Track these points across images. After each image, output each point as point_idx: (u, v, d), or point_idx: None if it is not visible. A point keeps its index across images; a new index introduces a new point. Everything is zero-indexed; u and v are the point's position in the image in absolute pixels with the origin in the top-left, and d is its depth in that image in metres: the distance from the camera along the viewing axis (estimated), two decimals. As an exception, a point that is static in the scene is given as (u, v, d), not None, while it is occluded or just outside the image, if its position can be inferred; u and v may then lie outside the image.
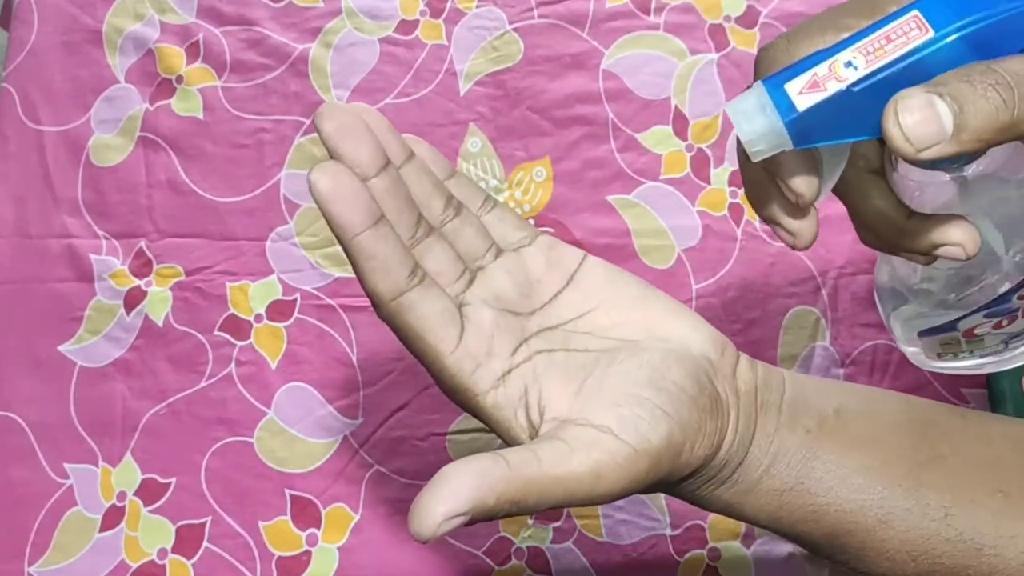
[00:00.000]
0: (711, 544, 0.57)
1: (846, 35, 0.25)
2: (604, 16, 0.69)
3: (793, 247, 0.31)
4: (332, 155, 0.26)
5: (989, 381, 0.59)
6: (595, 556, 0.57)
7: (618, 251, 0.63)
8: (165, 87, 0.69)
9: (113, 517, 0.59)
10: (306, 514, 0.59)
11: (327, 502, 0.59)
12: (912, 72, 0.23)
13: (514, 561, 0.57)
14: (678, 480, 0.28)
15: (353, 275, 0.67)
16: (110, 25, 0.71)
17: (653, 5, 0.70)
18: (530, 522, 0.58)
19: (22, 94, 0.70)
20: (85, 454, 0.60)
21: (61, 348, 0.63)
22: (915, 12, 0.23)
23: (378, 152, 0.26)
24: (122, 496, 0.59)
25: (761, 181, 0.29)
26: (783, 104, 0.24)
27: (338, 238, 0.25)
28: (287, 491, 0.59)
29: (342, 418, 0.60)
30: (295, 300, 0.63)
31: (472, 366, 0.27)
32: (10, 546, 0.58)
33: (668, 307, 0.30)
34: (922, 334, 0.40)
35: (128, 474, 0.60)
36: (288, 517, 0.59)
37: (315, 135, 0.67)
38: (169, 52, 0.70)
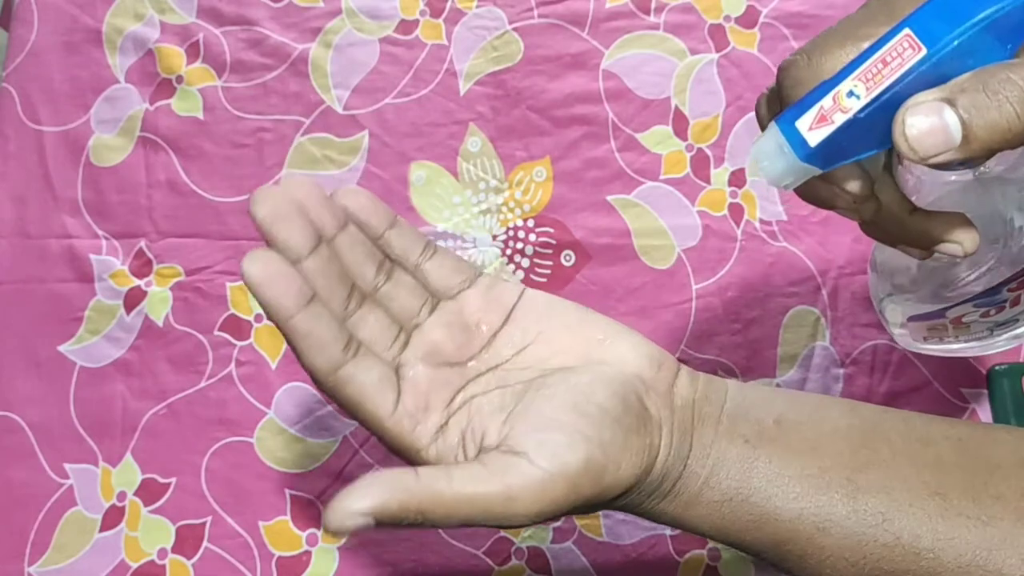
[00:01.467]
0: (711, 544, 0.57)
1: (867, 45, 0.25)
2: (604, 16, 0.69)
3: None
4: (266, 240, 0.27)
5: (989, 381, 0.59)
6: (595, 556, 0.57)
7: (618, 251, 0.63)
8: (165, 87, 0.69)
9: (113, 517, 0.59)
10: (306, 514, 0.58)
11: (327, 502, 0.58)
12: (913, 88, 0.24)
13: (514, 561, 0.57)
14: (613, 498, 0.28)
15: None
16: (110, 25, 0.71)
17: (653, 5, 0.70)
18: (530, 522, 0.58)
19: (22, 94, 0.70)
20: (85, 454, 0.60)
21: (61, 348, 0.63)
22: (907, 31, 0.24)
23: (309, 234, 0.27)
24: (122, 496, 0.59)
25: (813, 187, 0.30)
26: (796, 141, 0.26)
27: (273, 321, 0.26)
28: (287, 491, 0.59)
29: (342, 418, 0.60)
30: (295, 300, 0.63)
31: (411, 425, 0.28)
32: (10, 546, 0.59)
33: (606, 330, 0.31)
34: (911, 319, 0.41)
35: (128, 474, 0.60)
36: (288, 517, 0.59)
37: (316, 135, 0.67)
38: (169, 52, 0.70)
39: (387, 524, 0.25)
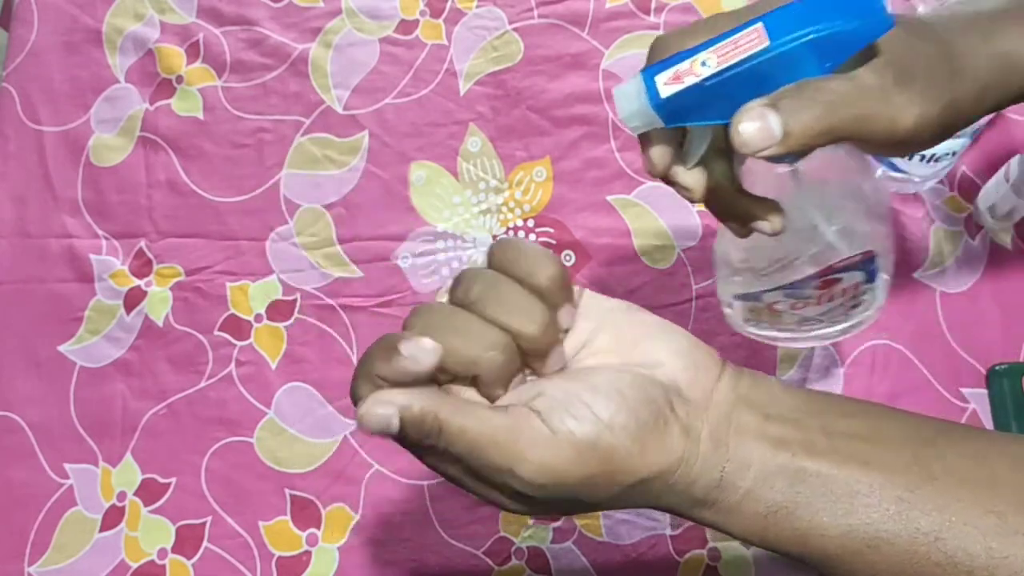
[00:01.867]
0: (711, 544, 0.57)
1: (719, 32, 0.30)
2: (604, 16, 0.69)
3: (690, 200, 0.35)
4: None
5: (989, 381, 0.59)
6: (595, 556, 0.57)
7: (618, 251, 0.63)
8: (165, 87, 0.69)
9: (113, 517, 0.59)
10: (306, 514, 0.58)
11: (327, 502, 0.59)
12: (752, 73, 0.29)
13: (514, 561, 0.57)
14: (630, 486, 0.28)
15: (353, 275, 0.67)
16: (110, 25, 0.71)
17: (653, 5, 0.70)
18: (530, 522, 0.58)
19: (22, 94, 0.70)
20: (85, 454, 0.60)
21: (61, 348, 0.63)
22: (759, 24, 0.29)
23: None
24: (122, 496, 0.59)
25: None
26: (652, 91, 0.30)
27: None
28: (287, 491, 0.59)
29: (342, 418, 0.60)
30: (295, 300, 0.63)
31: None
32: (10, 546, 0.59)
33: (647, 330, 0.31)
34: (736, 297, 0.44)
35: (128, 474, 0.60)
36: (288, 517, 0.58)
37: (316, 135, 0.67)
38: (169, 52, 0.70)
39: (408, 431, 0.26)
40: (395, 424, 0.26)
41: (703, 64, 0.29)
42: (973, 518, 0.28)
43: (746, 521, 0.30)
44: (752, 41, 0.29)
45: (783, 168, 0.35)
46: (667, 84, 0.30)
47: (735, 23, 0.30)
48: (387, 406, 0.26)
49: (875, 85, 0.30)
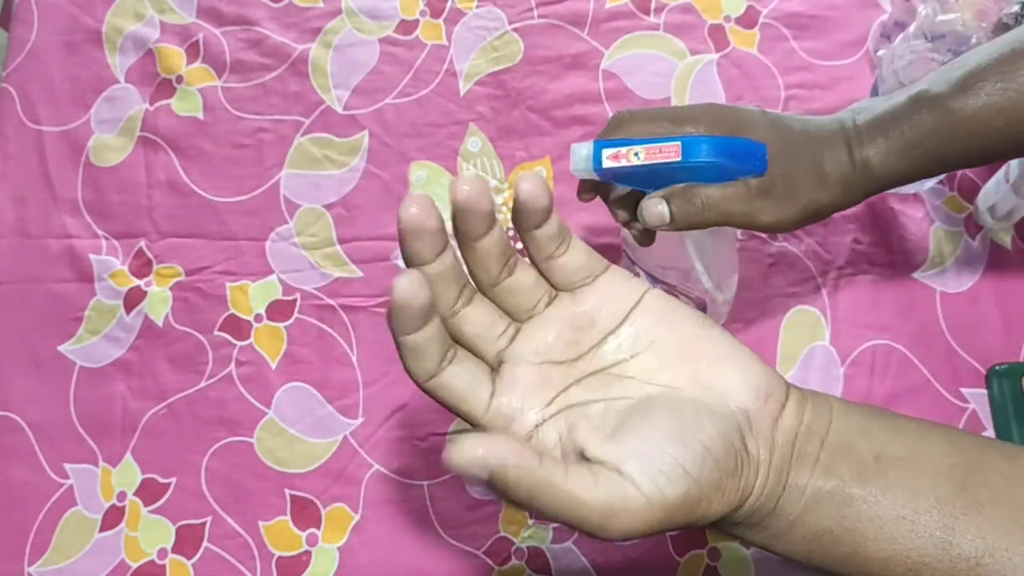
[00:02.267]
0: (711, 544, 0.57)
1: (662, 132, 0.43)
2: (604, 16, 0.69)
3: (640, 243, 0.49)
4: (409, 236, 0.28)
5: (989, 381, 0.59)
6: (595, 556, 0.57)
7: (617, 251, 0.63)
8: (165, 87, 0.69)
9: (113, 517, 0.59)
10: (306, 514, 0.58)
11: (327, 502, 0.59)
12: (664, 169, 0.42)
13: (514, 561, 0.57)
14: (699, 526, 0.29)
15: (353, 275, 0.67)
16: (110, 25, 0.71)
17: (653, 5, 0.70)
18: (530, 522, 0.58)
19: (22, 94, 0.70)
20: (85, 454, 0.60)
21: (61, 348, 0.63)
22: (678, 143, 0.42)
23: (438, 243, 0.28)
24: (122, 496, 0.59)
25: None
26: (597, 159, 0.43)
27: (390, 324, 0.28)
28: (287, 491, 0.59)
29: (342, 418, 0.60)
30: (295, 300, 0.63)
31: (504, 423, 0.29)
32: (10, 546, 0.58)
33: (719, 350, 0.31)
34: None
35: (128, 474, 0.60)
36: (288, 517, 0.58)
37: (316, 135, 0.67)
38: (169, 52, 0.70)
39: (494, 489, 0.26)
40: (482, 480, 0.26)
41: (635, 155, 0.42)
42: (1014, 544, 0.29)
43: (792, 544, 0.30)
44: (670, 153, 0.42)
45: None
46: (608, 159, 0.43)
47: (671, 124, 0.43)
48: (478, 464, 0.25)
49: (742, 194, 0.42)
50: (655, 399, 0.29)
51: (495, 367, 0.31)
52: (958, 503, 0.29)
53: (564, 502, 0.26)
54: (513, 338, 0.31)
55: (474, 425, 0.30)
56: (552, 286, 0.32)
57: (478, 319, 0.31)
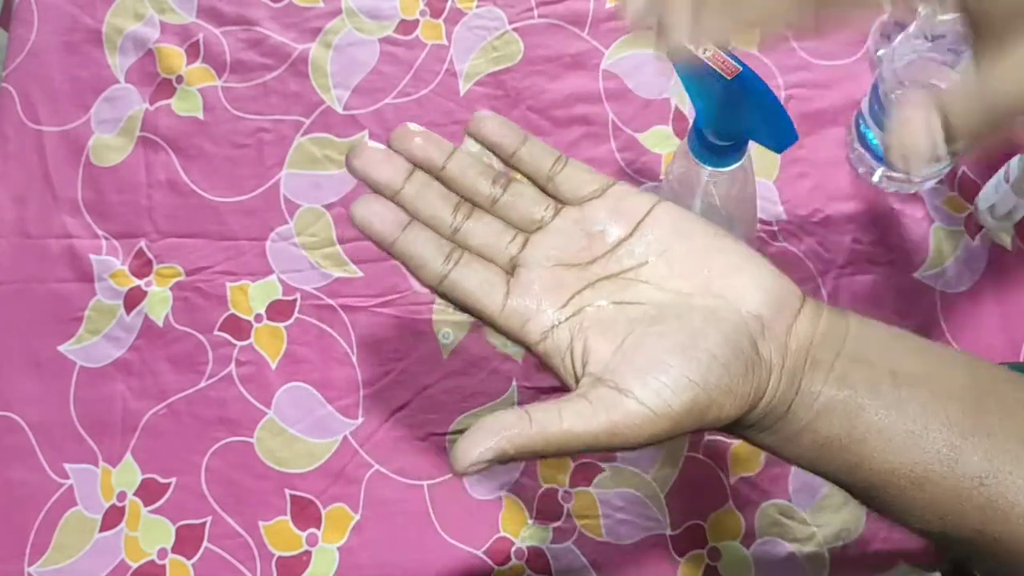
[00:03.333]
0: (711, 544, 0.57)
1: None
2: (604, 16, 0.69)
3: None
4: (367, 185, 0.32)
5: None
6: (595, 556, 0.57)
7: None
8: (165, 87, 0.69)
9: (113, 517, 0.59)
10: (306, 514, 0.58)
11: (327, 502, 0.59)
12: (711, 81, 0.36)
13: (514, 561, 0.57)
14: (709, 430, 0.30)
15: (353, 275, 0.67)
16: (110, 25, 0.71)
17: (653, 5, 0.70)
18: (530, 522, 0.58)
19: (22, 94, 0.70)
20: (85, 454, 0.60)
21: (61, 348, 0.63)
22: (741, 67, 0.35)
23: (400, 168, 0.32)
24: (122, 496, 0.59)
25: None
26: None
27: (383, 249, 0.31)
28: (287, 491, 0.59)
29: (342, 418, 0.60)
30: (295, 300, 0.63)
31: (520, 322, 0.30)
32: (10, 546, 0.59)
33: (731, 260, 0.31)
34: None
35: (128, 474, 0.60)
36: (288, 517, 0.59)
37: (316, 135, 0.67)
38: (169, 52, 0.70)
39: (506, 462, 0.28)
40: (492, 465, 0.28)
41: (705, 51, 0.35)
42: (1018, 468, 0.29)
43: (801, 449, 0.31)
44: (728, 68, 0.36)
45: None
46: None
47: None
48: (479, 464, 0.27)
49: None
50: (665, 308, 0.30)
51: (509, 272, 0.32)
52: (968, 424, 0.30)
53: (568, 440, 0.27)
54: (523, 246, 0.32)
55: (491, 324, 0.31)
56: (560, 202, 0.33)
57: (482, 231, 0.32)
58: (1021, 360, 0.59)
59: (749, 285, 0.30)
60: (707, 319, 0.29)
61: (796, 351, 0.30)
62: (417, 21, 0.70)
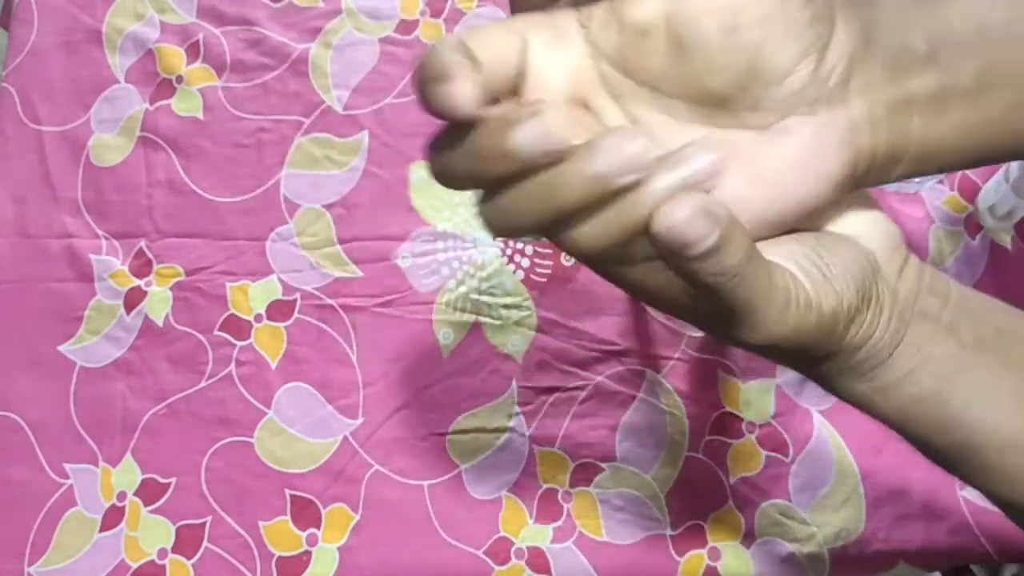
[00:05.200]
0: (711, 544, 0.57)
1: None
2: (604, 16, 0.69)
3: None
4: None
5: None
6: (595, 556, 0.57)
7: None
8: (165, 87, 0.69)
9: (113, 517, 0.59)
10: (306, 514, 0.58)
11: (327, 502, 0.59)
12: None
13: (514, 561, 0.57)
14: (819, 359, 0.28)
15: (353, 275, 0.66)
16: (110, 25, 0.71)
17: (653, 5, 0.70)
18: (530, 522, 0.58)
19: (22, 94, 0.70)
20: (85, 454, 0.60)
21: (61, 348, 0.63)
22: None
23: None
24: (122, 496, 0.59)
25: None
26: None
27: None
28: (287, 491, 0.59)
29: (342, 418, 0.60)
30: (295, 300, 0.63)
31: None
32: (10, 546, 0.58)
33: (852, 196, 0.30)
34: None
35: (128, 474, 0.60)
36: (288, 517, 0.59)
37: (316, 135, 0.67)
38: (169, 52, 0.70)
39: (708, 251, 0.22)
40: (711, 241, 0.22)
41: None
42: None
43: (896, 402, 0.29)
44: None
45: None
46: None
47: None
48: (711, 218, 0.22)
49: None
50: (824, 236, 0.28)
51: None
52: None
53: (758, 284, 0.24)
54: None
55: None
56: None
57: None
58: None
59: (867, 221, 0.29)
60: (838, 241, 0.28)
61: (905, 296, 0.29)
62: (417, 21, 0.70)
